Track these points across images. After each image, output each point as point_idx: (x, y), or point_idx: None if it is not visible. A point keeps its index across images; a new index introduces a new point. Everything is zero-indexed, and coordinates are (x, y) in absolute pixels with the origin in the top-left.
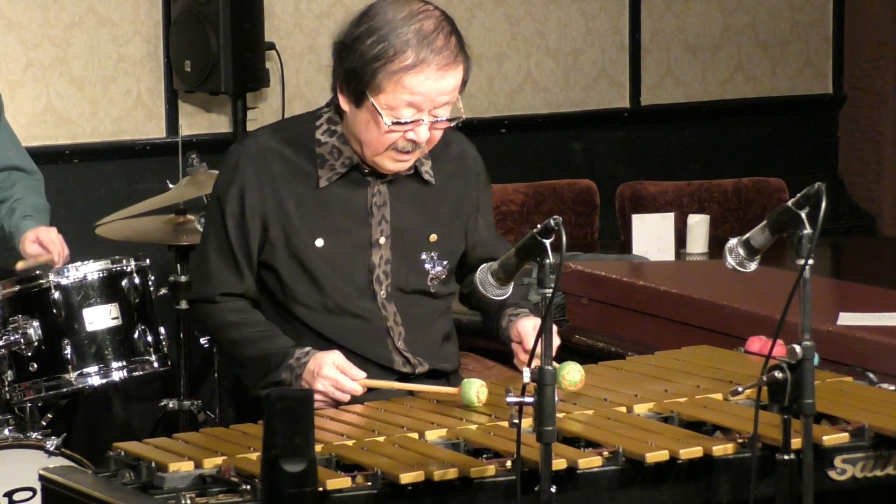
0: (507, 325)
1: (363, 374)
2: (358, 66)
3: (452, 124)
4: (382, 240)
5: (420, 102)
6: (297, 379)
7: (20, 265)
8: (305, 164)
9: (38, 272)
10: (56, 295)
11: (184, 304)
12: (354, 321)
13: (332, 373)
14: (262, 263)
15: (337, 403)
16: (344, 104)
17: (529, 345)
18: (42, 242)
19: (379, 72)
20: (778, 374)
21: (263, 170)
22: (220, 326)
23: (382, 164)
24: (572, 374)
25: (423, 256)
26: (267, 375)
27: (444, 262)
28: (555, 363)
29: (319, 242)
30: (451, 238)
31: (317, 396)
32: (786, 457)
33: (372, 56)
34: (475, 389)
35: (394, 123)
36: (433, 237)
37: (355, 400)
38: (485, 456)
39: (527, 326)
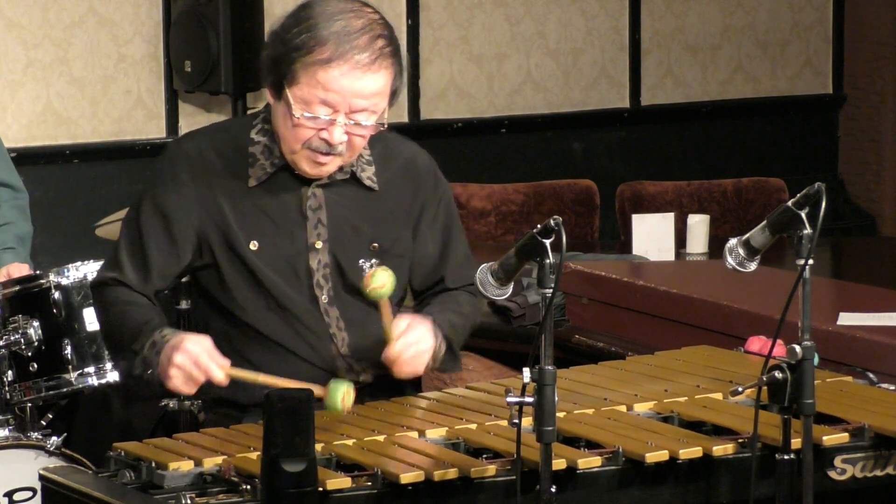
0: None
1: (227, 363)
2: (280, 54)
3: (373, 132)
4: (319, 244)
5: (334, 101)
6: (157, 350)
7: None
8: (238, 164)
9: (37, 272)
10: (56, 295)
11: (184, 304)
12: (298, 324)
13: (195, 349)
14: (203, 266)
15: (190, 387)
16: (269, 96)
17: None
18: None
19: (296, 62)
20: (778, 374)
21: (199, 170)
22: (110, 303)
23: (299, 164)
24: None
25: (361, 262)
26: (133, 342)
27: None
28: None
29: (254, 245)
30: (397, 247)
31: (171, 374)
32: (786, 457)
33: (293, 46)
34: (341, 393)
35: (304, 117)
36: (374, 245)
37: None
38: (485, 456)
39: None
